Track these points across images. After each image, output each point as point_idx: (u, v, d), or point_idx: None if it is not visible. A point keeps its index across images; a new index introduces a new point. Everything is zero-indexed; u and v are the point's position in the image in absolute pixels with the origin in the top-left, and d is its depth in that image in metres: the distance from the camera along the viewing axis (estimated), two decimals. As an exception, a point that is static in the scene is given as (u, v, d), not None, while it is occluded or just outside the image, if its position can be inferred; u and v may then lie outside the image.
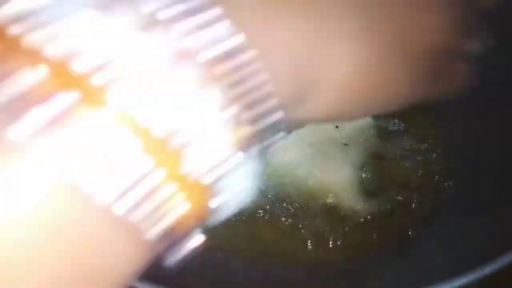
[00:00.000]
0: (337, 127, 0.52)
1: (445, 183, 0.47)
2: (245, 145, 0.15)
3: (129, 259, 0.14)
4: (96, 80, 0.12)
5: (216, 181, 0.14)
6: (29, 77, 0.12)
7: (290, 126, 0.17)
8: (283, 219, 0.46)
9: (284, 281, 0.39)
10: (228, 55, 0.13)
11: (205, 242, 0.14)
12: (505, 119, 0.47)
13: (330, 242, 0.43)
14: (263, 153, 0.16)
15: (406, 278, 0.37)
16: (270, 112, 0.15)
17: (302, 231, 0.45)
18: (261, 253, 0.43)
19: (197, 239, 0.15)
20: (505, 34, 0.48)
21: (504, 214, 0.39)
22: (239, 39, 0.14)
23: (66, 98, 0.12)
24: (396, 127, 0.52)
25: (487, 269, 0.27)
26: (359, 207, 0.46)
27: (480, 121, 0.49)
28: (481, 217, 0.40)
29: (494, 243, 0.36)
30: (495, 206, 0.40)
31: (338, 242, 0.43)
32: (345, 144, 0.51)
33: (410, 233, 0.43)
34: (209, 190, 0.14)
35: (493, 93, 0.49)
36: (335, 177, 0.48)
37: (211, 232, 0.40)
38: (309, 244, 0.44)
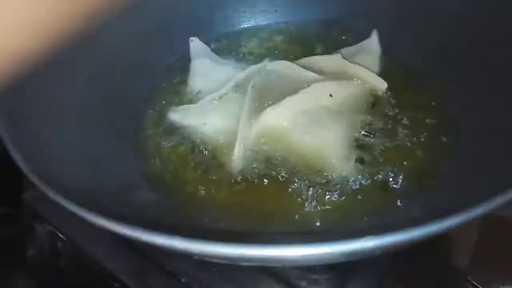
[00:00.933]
0: (331, 95, 0.51)
1: (438, 151, 0.46)
2: None
3: None
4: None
5: None
6: None
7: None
8: (273, 184, 0.45)
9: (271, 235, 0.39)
10: None
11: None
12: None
13: (319, 208, 0.43)
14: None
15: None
16: None
17: (292, 196, 0.44)
18: (249, 217, 0.43)
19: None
20: None
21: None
22: None
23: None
24: (388, 95, 0.52)
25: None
26: (351, 175, 0.45)
27: (474, 85, 0.48)
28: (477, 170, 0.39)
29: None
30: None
31: (327, 207, 0.43)
32: (339, 112, 0.50)
33: (399, 203, 0.42)
34: None
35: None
36: (328, 144, 0.47)
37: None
38: (299, 210, 0.44)
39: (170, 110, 0.54)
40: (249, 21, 0.66)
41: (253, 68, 0.55)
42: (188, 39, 0.62)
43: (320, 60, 0.54)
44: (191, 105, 0.54)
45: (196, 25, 0.63)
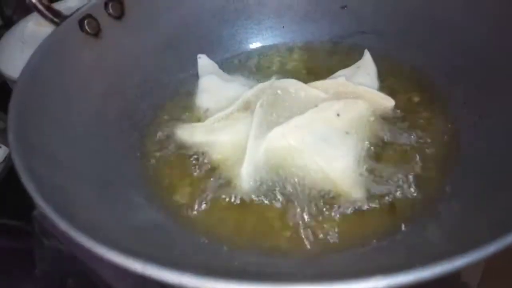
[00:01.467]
0: (338, 114, 0.51)
1: (446, 174, 0.46)
2: None
3: None
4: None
5: None
6: None
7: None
8: (280, 205, 0.46)
9: (278, 268, 0.39)
10: None
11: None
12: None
13: (327, 230, 0.43)
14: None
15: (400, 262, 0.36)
16: None
17: (299, 219, 0.44)
18: (257, 239, 0.43)
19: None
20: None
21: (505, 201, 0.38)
22: None
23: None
24: (397, 116, 0.52)
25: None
26: (358, 196, 0.45)
27: (484, 112, 0.48)
28: (483, 205, 0.39)
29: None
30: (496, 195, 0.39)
31: (336, 230, 0.43)
32: (347, 133, 0.50)
33: (404, 228, 0.42)
34: None
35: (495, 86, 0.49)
36: (335, 165, 0.47)
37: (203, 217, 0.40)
38: (305, 231, 0.44)
39: (178, 128, 0.55)
40: (256, 37, 0.66)
41: (261, 86, 0.55)
42: (195, 56, 0.62)
43: (326, 83, 0.54)
44: (199, 123, 0.54)
45: (204, 42, 0.64)
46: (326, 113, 0.51)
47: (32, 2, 0.50)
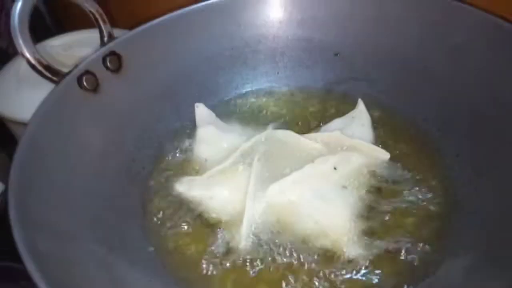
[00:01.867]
0: (335, 168, 0.52)
1: (447, 227, 0.47)
2: None
3: None
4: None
5: None
6: None
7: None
8: (279, 263, 0.46)
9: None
10: None
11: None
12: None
13: None
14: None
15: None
16: None
17: (299, 277, 0.45)
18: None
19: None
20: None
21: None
22: None
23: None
24: (394, 170, 0.53)
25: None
26: (358, 253, 0.46)
27: (478, 167, 0.49)
28: (488, 263, 0.40)
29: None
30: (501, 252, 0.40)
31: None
32: (344, 187, 0.51)
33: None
34: None
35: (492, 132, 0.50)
36: (333, 222, 0.48)
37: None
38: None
39: (176, 181, 0.55)
40: (252, 83, 0.67)
41: (258, 138, 0.56)
42: (193, 104, 0.63)
43: (321, 136, 0.55)
44: (197, 177, 0.55)
45: (200, 89, 0.65)
46: (323, 167, 0.52)
47: (31, 63, 0.50)
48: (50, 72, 0.52)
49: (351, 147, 0.54)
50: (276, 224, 0.49)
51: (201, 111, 0.62)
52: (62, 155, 0.48)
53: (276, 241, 0.48)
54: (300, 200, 0.50)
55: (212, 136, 0.59)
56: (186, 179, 0.55)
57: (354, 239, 0.47)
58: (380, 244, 0.47)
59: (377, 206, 0.50)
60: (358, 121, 0.58)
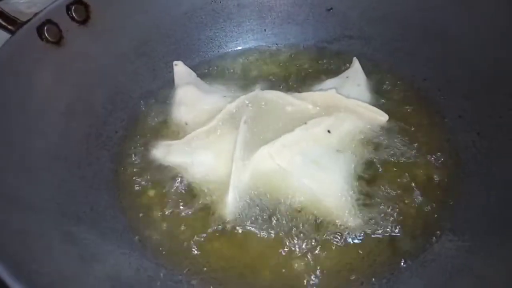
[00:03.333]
0: (329, 131, 0.47)
1: (449, 194, 0.43)
2: None
3: None
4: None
5: None
6: None
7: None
8: (269, 235, 0.42)
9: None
10: None
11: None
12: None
13: (313, 263, 0.40)
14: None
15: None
16: None
17: (288, 247, 0.41)
18: (245, 267, 0.40)
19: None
20: None
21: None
22: None
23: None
24: (390, 131, 0.49)
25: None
26: (355, 224, 0.42)
27: (486, 131, 0.45)
28: (491, 237, 0.37)
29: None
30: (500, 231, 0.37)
31: (323, 262, 0.40)
32: (338, 151, 0.47)
33: (402, 264, 0.39)
34: None
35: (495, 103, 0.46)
36: (329, 190, 0.44)
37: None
38: (295, 260, 0.40)
39: (153, 146, 0.50)
40: (236, 41, 0.61)
41: (244, 98, 0.51)
42: (171, 63, 0.57)
43: (315, 95, 0.50)
44: (176, 141, 0.49)
45: (179, 47, 0.59)
46: (316, 130, 0.47)
47: (-19, 8, 0.43)
48: (5, 21, 0.45)
49: (346, 107, 0.49)
50: (264, 191, 0.45)
51: (180, 69, 0.56)
52: (22, 112, 0.42)
53: (265, 209, 0.43)
54: (290, 166, 0.45)
55: (192, 97, 0.53)
56: (163, 144, 0.50)
57: (349, 208, 0.43)
58: (377, 214, 0.42)
59: (374, 172, 0.46)
60: (353, 81, 0.53)
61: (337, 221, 0.42)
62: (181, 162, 0.48)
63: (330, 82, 0.54)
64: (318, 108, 0.50)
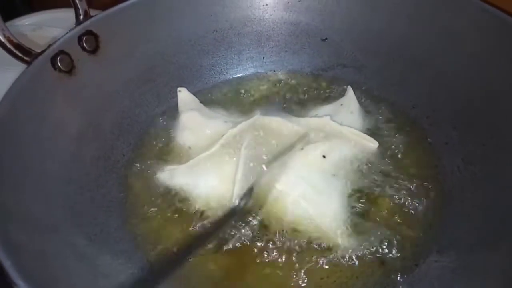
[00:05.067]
0: (324, 156, 0.51)
1: (436, 218, 0.47)
2: None
3: None
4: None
5: None
6: None
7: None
8: (266, 254, 0.45)
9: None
10: None
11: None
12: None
13: (311, 280, 0.42)
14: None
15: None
16: None
17: (285, 267, 0.44)
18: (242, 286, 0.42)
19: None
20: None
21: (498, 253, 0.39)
22: None
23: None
24: (383, 158, 0.52)
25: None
26: (346, 245, 0.45)
27: (467, 155, 0.49)
28: (475, 257, 0.40)
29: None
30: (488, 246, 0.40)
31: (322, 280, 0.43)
32: (333, 175, 0.50)
33: (399, 278, 0.42)
34: None
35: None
36: (323, 213, 0.47)
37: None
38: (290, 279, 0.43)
39: (158, 169, 0.53)
40: (236, 68, 0.64)
41: (244, 124, 0.53)
42: (174, 88, 0.60)
43: (310, 121, 0.54)
44: (181, 166, 0.52)
45: (182, 73, 0.62)
46: (311, 155, 0.50)
47: (0, 41, 0.46)
48: (21, 52, 0.48)
49: (339, 134, 0.52)
50: (264, 214, 0.47)
51: (184, 96, 0.59)
52: (36, 139, 0.44)
53: (264, 231, 0.46)
54: (288, 188, 0.48)
55: (195, 123, 0.56)
56: (168, 168, 0.52)
57: (343, 229, 0.46)
58: (368, 236, 0.45)
59: (367, 196, 0.49)
60: (347, 109, 0.56)
61: (331, 242, 0.45)
62: (185, 185, 0.50)
63: (324, 109, 0.57)
64: (313, 134, 0.53)
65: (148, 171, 0.53)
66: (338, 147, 0.51)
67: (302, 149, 0.50)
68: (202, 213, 0.48)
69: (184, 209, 0.49)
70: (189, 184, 0.50)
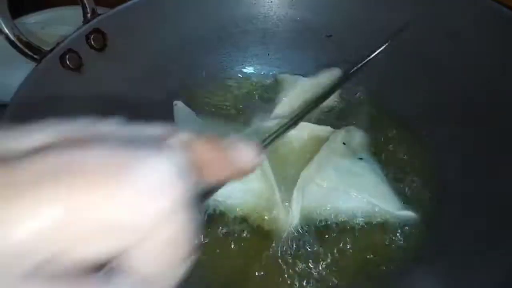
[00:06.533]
0: (344, 143, 0.51)
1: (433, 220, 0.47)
2: None
3: None
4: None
5: None
6: None
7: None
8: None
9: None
10: None
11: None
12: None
13: None
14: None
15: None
16: None
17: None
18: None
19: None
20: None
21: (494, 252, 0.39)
22: None
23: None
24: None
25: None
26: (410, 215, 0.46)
27: (472, 156, 0.49)
28: (476, 255, 0.40)
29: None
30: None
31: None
32: (360, 159, 0.50)
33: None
34: None
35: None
36: (375, 191, 0.47)
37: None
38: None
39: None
40: (241, 65, 0.65)
41: (247, 133, 0.53)
42: (180, 86, 0.61)
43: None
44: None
45: (188, 71, 0.62)
46: (334, 145, 0.50)
47: (10, 39, 0.47)
48: (31, 50, 0.49)
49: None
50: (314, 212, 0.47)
51: (180, 109, 0.58)
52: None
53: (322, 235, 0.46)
54: (332, 183, 0.47)
55: None
56: None
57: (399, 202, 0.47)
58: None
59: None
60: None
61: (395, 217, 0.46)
62: (215, 200, 0.49)
63: None
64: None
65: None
66: (353, 131, 0.53)
67: (328, 139, 0.51)
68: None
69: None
70: (220, 196, 0.49)
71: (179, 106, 0.58)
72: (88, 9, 0.54)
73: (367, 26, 0.61)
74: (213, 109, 0.61)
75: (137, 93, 0.58)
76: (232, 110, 0.61)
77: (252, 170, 0.23)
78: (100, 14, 0.54)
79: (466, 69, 0.52)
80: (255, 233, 0.47)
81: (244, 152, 0.23)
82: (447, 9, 0.54)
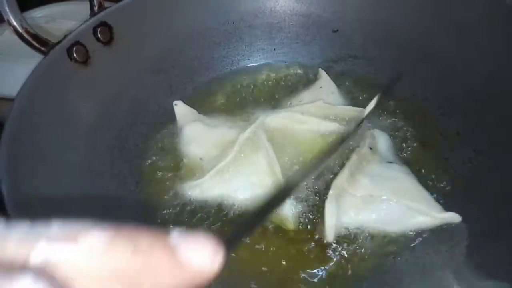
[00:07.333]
0: (371, 148, 0.50)
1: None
2: None
3: None
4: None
5: None
6: None
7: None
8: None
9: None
10: None
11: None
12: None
13: None
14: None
15: None
16: None
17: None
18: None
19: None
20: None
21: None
22: None
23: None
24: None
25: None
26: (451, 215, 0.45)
27: (482, 148, 0.49)
28: (486, 245, 0.40)
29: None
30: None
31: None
32: (390, 162, 0.50)
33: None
34: None
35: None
36: (414, 195, 0.46)
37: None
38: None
39: (183, 185, 0.51)
40: (248, 59, 0.65)
41: (253, 128, 0.52)
42: (186, 79, 0.61)
43: (309, 108, 0.54)
44: (205, 177, 0.49)
45: (194, 64, 0.62)
46: (363, 151, 0.49)
47: (18, 31, 0.47)
48: (38, 42, 0.49)
49: (336, 114, 0.54)
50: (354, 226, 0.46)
51: (181, 109, 0.58)
52: (53, 128, 0.45)
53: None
54: (369, 190, 0.45)
55: (200, 133, 0.54)
56: (194, 183, 0.50)
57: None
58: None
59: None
60: (327, 90, 0.57)
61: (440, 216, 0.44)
62: (223, 194, 0.49)
63: (305, 94, 0.58)
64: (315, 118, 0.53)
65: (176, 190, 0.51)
66: (374, 135, 0.52)
67: (358, 146, 0.50)
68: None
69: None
70: (228, 190, 0.49)
71: (180, 106, 0.58)
72: (95, 2, 0.54)
73: (374, 22, 0.61)
74: (217, 105, 0.61)
75: (142, 86, 0.58)
76: (236, 105, 0.60)
77: (210, 275, 0.17)
78: (107, 8, 0.54)
79: (474, 61, 0.52)
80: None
81: (200, 251, 0.17)
82: (454, 2, 0.54)
